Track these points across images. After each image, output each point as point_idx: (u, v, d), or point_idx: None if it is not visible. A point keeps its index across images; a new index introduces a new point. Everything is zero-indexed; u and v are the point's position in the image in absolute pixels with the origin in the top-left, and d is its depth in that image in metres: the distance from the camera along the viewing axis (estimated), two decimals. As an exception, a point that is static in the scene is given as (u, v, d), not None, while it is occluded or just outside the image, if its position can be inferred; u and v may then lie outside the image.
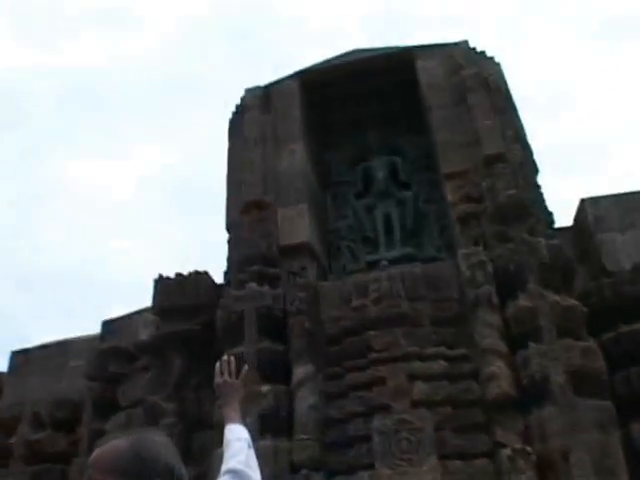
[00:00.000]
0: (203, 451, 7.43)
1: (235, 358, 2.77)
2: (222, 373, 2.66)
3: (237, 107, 9.65)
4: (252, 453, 2.34)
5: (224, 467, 2.22)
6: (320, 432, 6.65)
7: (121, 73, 35.36)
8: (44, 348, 10.34)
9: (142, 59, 34.40)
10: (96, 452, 1.81)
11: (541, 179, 8.54)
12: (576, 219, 8.46)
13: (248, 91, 9.64)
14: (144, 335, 8.88)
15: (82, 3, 34.46)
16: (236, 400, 2.65)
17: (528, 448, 6.07)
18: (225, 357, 2.76)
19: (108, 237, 34.48)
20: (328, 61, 9.71)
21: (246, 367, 2.86)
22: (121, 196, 34.61)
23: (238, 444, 2.34)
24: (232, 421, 2.50)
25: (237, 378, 2.70)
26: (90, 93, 35.62)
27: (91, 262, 33.58)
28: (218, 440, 6.83)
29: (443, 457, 6.20)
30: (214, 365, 7.56)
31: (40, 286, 32.64)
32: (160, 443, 1.85)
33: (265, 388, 6.82)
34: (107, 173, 34.09)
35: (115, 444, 1.79)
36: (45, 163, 35.12)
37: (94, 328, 9.68)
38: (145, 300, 8.84)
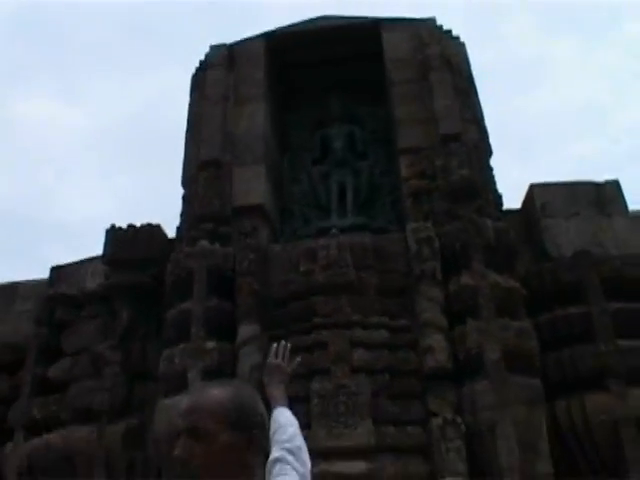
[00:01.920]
0: (144, 402, 7.57)
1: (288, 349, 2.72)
2: (277, 355, 2.65)
3: (201, 63, 9.57)
4: (303, 439, 2.33)
5: (280, 446, 2.18)
6: (261, 391, 6.79)
7: (80, 13, 34.27)
8: (-10, 289, 10.27)
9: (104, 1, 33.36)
10: (195, 399, 1.87)
11: (495, 160, 8.77)
12: (524, 203, 8.71)
13: (213, 48, 9.57)
14: (93, 284, 8.89)
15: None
16: (283, 384, 2.63)
17: (458, 419, 6.35)
18: (283, 343, 2.70)
19: (58, 181, 33.69)
20: (295, 25, 9.68)
21: (299, 359, 2.79)
22: (73, 139, 33.78)
23: (291, 429, 2.32)
24: (280, 404, 2.48)
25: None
26: (45, 28, 34.40)
27: (39, 205, 32.96)
28: (160, 391, 7.02)
29: (378, 422, 6.43)
30: (161, 318, 7.65)
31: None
32: (254, 396, 1.93)
33: (210, 344, 6.95)
34: (59, 114, 33.08)
35: (217, 395, 1.86)
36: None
37: (39, 271, 9.63)
38: (94, 248, 8.87)
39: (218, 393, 1.87)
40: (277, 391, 2.55)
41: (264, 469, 1.96)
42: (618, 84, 32.46)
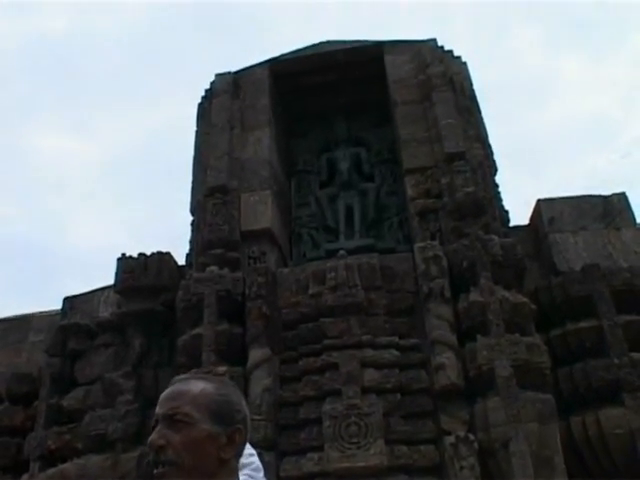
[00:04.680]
0: (158, 429, 7.59)
1: None
2: None
3: (206, 92, 9.71)
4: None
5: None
6: (273, 414, 6.82)
7: (88, 46, 34.76)
8: (5, 322, 10.38)
9: (112, 34, 33.80)
10: (178, 388, 1.78)
11: (506, 176, 8.81)
12: (532, 218, 8.74)
13: (218, 76, 9.70)
14: (105, 313, 8.98)
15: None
16: None
17: (471, 436, 6.32)
18: None
19: (70, 212, 33.98)
20: (298, 51, 9.82)
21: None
22: (83, 171, 34.10)
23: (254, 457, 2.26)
24: None
25: None
26: (55, 62, 34.88)
27: (52, 236, 33.20)
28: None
29: (390, 442, 6.40)
30: (174, 345, 7.68)
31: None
32: (238, 392, 1.86)
33: (221, 369, 6.97)
34: (70, 146, 33.39)
35: (200, 386, 1.78)
36: (2, 132, 34.25)
37: (50, 302, 9.74)
38: (106, 277, 8.93)
39: (203, 384, 1.81)
40: None
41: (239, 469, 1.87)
42: (627, 96, 32.51)
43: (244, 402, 1.86)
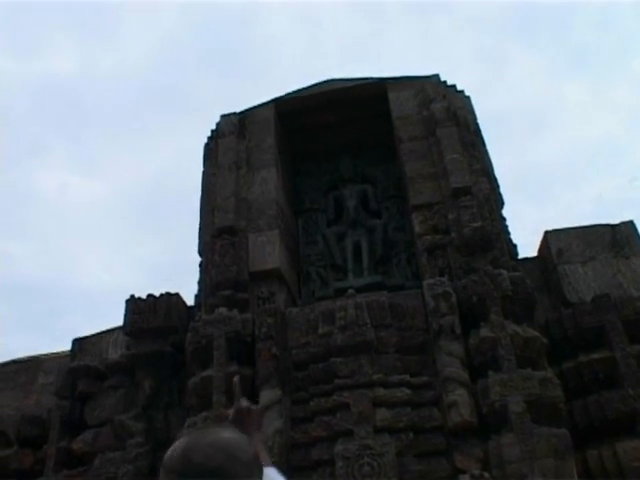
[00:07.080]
0: (170, 472, 7.53)
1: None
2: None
3: (212, 132, 9.79)
4: None
5: None
6: (285, 455, 6.75)
7: (95, 86, 35.23)
8: (14, 364, 10.37)
9: (118, 74, 34.27)
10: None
11: (514, 205, 8.83)
12: (540, 250, 8.73)
13: (223, 117, 9.79)
14: (114, 354, 8.96)
15: (59, 16, 34.18)
16: (260, 435, 2.36)
17: (486, 474, 6.23)
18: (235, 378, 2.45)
19: (78, 251, 34.18)
20: (302, 90, 9.91)
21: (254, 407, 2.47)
22: (93, 210, 34.35)
23: None
24: (267, 463, 2.17)
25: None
26: (63, 105, 35.35)
27: (60, 276, 33.28)
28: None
29: (404, 482, 6.36)
30: (183, 386, 7.64)
31: (5, 298, 32.34)
32: (244, 437, 1.77)
33: (232, 411, 6.91)
34: (77, 184, 33.72)
35: (176, 445, 1.70)
36: (12, 172, 34.57)
37: (59, 341, 9.73)
38: (115, 316, 8.93)
39: (176, 444, 1.71)
40: (259, 445, 2.27)
41: None
42: (631, 120, 32.63)
43: (252, 449, 1.78)
